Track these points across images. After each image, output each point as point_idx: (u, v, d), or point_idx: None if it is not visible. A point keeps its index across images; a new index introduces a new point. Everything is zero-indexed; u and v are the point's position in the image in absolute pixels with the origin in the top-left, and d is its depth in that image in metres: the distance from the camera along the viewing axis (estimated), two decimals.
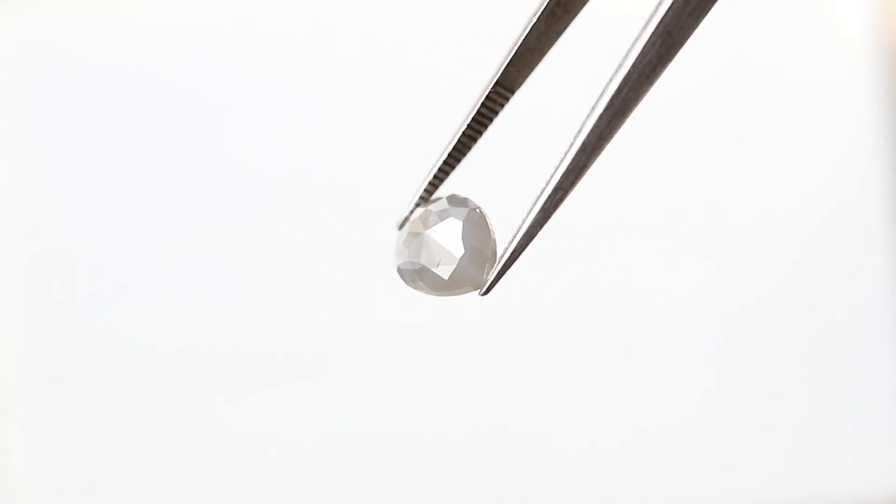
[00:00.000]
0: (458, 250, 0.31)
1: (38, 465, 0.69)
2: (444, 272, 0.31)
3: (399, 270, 0.31)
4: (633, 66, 0.30)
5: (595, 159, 0.30)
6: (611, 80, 0.30)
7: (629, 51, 0.30)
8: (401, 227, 0.32)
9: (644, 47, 0.30)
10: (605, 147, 0.30)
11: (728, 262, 0.69)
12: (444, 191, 0.33)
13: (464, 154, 0.33)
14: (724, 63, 0.69)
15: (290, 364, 0.69)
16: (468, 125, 0.33)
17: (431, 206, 0.31)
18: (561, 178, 0.30)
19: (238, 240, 0.69)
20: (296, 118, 0.70)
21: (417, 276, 0.31)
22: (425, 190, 0.33)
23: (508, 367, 0.69)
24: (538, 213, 0.30)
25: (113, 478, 0.69)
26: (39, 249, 0.69)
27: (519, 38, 0.33)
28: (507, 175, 0.67)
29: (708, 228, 0.69)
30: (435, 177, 0.33)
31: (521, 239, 0.30)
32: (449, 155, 0.33)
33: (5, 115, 0.70)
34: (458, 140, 0.33)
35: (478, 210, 0.31)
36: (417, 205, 0.32)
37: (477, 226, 0.31)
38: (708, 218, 0.69)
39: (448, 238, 0.31)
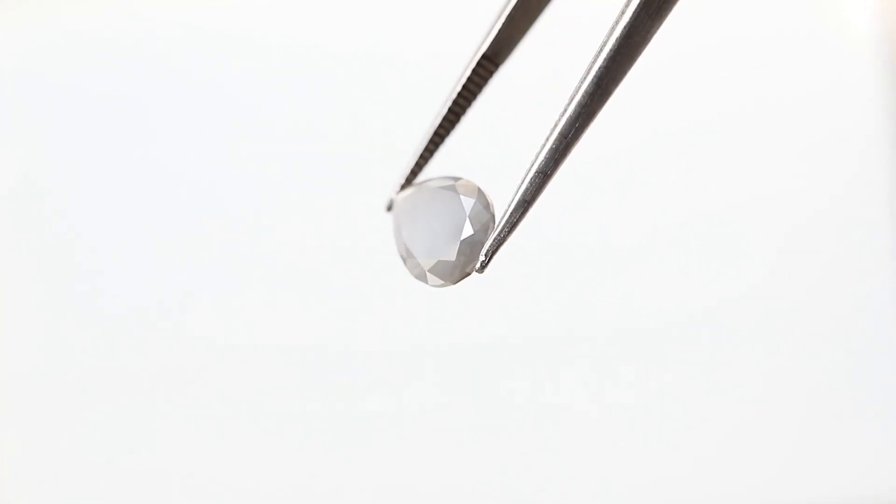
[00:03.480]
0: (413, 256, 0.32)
1: (38, 464, 0.69)
2: (423, 272, 0.32)
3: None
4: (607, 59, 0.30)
5: (577, 140, 0.31)
6: (594, 61, 0.30)
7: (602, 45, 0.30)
8: (389, 208, 0.32)
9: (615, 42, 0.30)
10: (587, 127, 0.31)
11: (728, 260, 0.69)
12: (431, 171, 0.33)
13: (449, 131, 0.33)
14: (728, 60, 0.69)
15: (291, 365, 0.69)
16: (455, 100, 0.33)
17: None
18: (544, 160, 0.31)
19: (241, 238, 0.69)
20: (299, 117, 0.70)
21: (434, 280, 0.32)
22: (412, 171, 0.33)
23: (508, 366, 0.69)
24: (524, 190, 0.31)
25: (112, 478, 0.69)
26: (40, 248, 0.69)
27: (504, 10, 0.33)
28: (499, 147, 0.66)
29: (710, 226, 0.69)
30: (421, 156, 0.33)
31: (508, 218, 0.31)
32: (435, 133, 0.33)
33: (5, 113, 0.69)
34: (445, 117, 0.33)
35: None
36: (403, 186, 0.33)
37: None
38: (710, 216, 0.69)
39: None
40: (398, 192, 0.32)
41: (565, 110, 0.30)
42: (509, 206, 0.31)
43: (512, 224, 0.31)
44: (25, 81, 0.69)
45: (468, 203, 0.31)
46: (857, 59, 0.69)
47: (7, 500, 0.69)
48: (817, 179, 0.69)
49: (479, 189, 0.32)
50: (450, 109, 0.33)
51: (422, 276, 0.32)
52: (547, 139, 0.31)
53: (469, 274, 0.32)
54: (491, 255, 0.31)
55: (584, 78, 0.30)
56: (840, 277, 0.69)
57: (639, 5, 0.30)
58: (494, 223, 0.32)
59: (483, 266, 0.31)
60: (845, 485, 0.69)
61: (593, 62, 0.30)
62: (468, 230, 0.31)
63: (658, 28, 0.30)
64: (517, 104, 0.66)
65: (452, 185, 0.31)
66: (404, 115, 0.69)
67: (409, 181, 0.33)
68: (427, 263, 0.32)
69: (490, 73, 0.33)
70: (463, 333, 0.69)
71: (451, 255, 0.31)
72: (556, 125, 0.31)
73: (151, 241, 0.69)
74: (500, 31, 0.33)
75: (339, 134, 0.69)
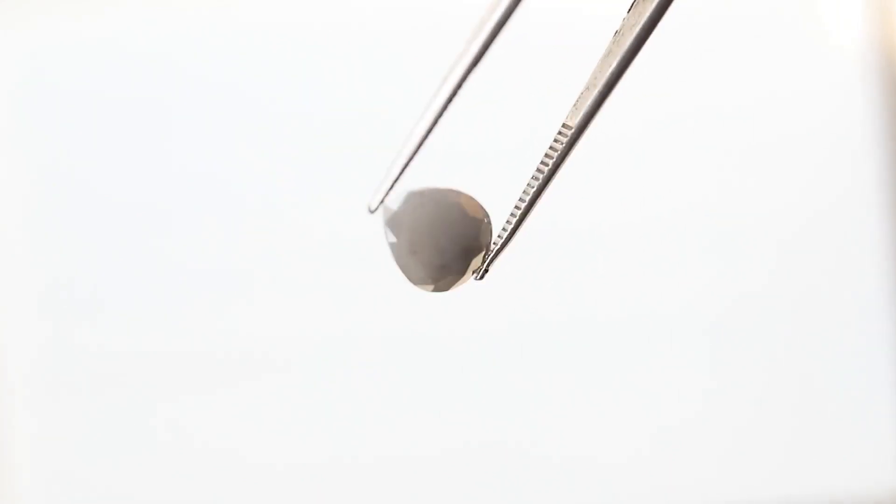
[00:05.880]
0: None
1: (36, 465, 0.69)
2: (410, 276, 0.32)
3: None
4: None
5: (576, 144, 0.31)
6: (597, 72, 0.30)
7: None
8: (373, 211, 0.32)
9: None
10: (584, 133, 0.31)
11: (726, 261, 0.69)
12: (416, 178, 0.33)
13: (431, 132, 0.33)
14: (726, 64, 0.69)
15: (285, 366, 0.69)
16: (446, 102, 0.33)
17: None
18: (547, 175, 0.31)
19: (232, 242, 0.69)
20: (286, 126, 0.70)
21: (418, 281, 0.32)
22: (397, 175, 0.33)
23: (505, 367, 0.69)
24: (527, 205, 0.31)
25: (110, 479, 0.69)
26: (36, 250, 0.69)
27: (497, 10, 0.33)
28: (490, 160, 0.67)
29: (705, 229, 0.69)
30: (409, 158, 0.33)
31: (511, 231, 0.32)
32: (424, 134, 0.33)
33: (7, 113, 0.70)
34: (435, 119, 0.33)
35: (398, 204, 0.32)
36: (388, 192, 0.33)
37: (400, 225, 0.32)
38: (705, 219, 0.69)
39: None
40: (391, 200, 0.32)
41: (568, 126, 0.31)
42: (511, 218, 0.31)
43: (511, 235, 0.32)
44: (28, 82, 0.69)
45: (477, 223, 0.32)
46: (852, 64, 0.69)
47: (7, 500, 0.69)
48: (814, 182, 0.69)
49: (480, 205, 0.32)
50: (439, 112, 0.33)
51: (423, 286, 0.32)
52: (549, 156, 0.31)
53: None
54: (489, 263, 0.32)
55: (588, 94, 0.31)
56: (837, 278, 0.69)
57: (650, 20, 0.30)
58: (492, 235, 0.32)
59: (483, 275, 0.32)
60: (846, 484, 0.68)
61: (597, 77, 0.30)
62: (479, 250, 0.32)
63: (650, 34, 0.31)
64: (485, 100, 0.66)
65: (459, 203, 0.32)
66: (393, 115, 0.69)
67: (392, 186, 0.33)
68: (435, 278, 0.32)
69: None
70: (454, 329, 0.69)
71: (461, 271, 0.32)
72: (558, 141, 0.31)
73: (150, 241, 0.69)
74: (491, 31, 0.33)
75: (326, 134, 0.69)
